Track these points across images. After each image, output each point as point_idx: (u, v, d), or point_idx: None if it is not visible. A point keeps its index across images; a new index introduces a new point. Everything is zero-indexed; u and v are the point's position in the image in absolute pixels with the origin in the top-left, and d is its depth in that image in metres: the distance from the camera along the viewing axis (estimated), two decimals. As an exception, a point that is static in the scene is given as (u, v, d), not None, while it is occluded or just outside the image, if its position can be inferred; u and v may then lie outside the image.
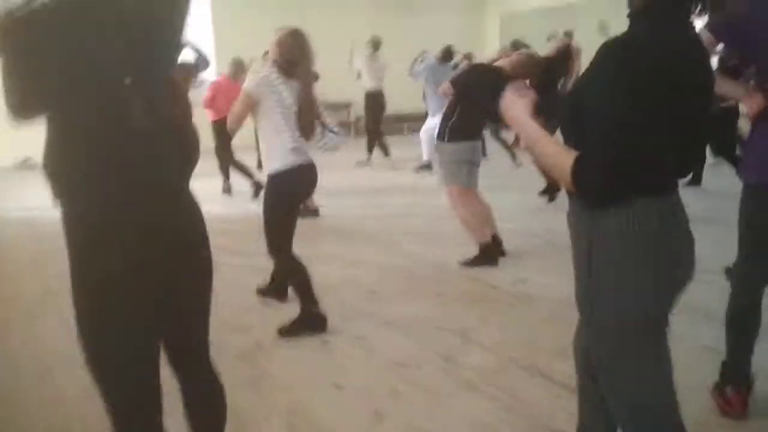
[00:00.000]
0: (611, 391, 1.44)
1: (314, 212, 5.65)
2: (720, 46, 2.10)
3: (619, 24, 1.42)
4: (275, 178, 3.01)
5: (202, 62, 6.03)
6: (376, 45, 8.23)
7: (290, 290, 3.48)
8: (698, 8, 1.29)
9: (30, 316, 3.54)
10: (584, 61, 8.93)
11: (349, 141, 10.65)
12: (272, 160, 3.02)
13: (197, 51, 5.90)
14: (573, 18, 10.89)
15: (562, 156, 1.30)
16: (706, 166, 6.76)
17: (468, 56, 7.99)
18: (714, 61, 4.90)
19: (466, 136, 4.03)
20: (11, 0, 1.23)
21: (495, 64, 4.26)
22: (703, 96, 1.32)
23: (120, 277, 1.36)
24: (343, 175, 7.64)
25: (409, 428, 2.27)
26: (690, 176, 6.21)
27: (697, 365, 2.63)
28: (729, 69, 3.40)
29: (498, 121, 8.05)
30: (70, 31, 1.26)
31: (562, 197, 5.65)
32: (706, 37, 2.04)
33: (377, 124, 8.56)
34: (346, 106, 11.78)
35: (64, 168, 1.35)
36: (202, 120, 5.19)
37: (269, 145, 3.01)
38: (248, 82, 2.99)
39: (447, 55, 7.53)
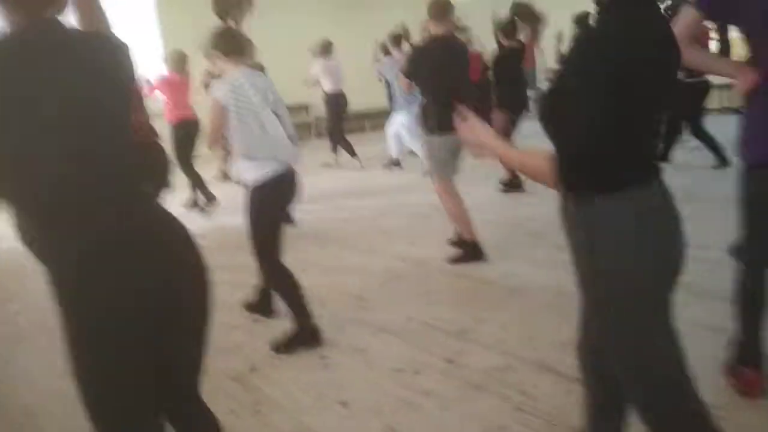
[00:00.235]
0: (624, 371, 1.43)
1: (289, 221, 5.51)
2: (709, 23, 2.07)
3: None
4: (255, 189, 2.90)
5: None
6: (327, 48, 8.12)
7: (278, 304, 3.37)
8: None
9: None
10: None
11: (310, 142, 10.66)
12: (249, 171, 2.90)
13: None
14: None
15: (540, 164, 1.33)
16: (684, 147, 6.89)
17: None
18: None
19: (452, 128, 3.93)
20: None
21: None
22: (671, 74, 1.36)
23: (109, 332, 1.33)
24: (309, 179, 7.47)
25: (425, 439, 2.20)
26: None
27: (699, 345, 2.64)
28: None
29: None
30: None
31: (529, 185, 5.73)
32: (692, 14, 2.01)
33: (339, 125, 8.45)
34: (305, 107, 11.61)
35: (29, 234, 1.34)
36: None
37: (245, 154, 2.88)
38: (216, 90, 2.85)
39: (398, 43, 7.50)
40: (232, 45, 2.91)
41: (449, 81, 3.90)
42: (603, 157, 1.25)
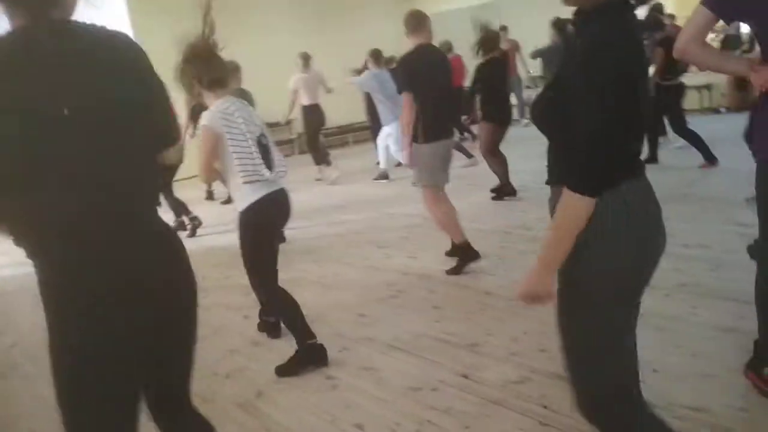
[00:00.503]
0: (569, 351, 1.51)
1: (281, 238, 5.39)
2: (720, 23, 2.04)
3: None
4: (248, 212, 2.78)
5: None
6: (306, 61, 8.08)
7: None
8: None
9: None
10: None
11: (295, 158, 10.56)
12: (242, 195, 2.77)
13: None
14: (499, 15, 11.07)
15: (567, 217, 1.36)
16: (668, 147, 6.97)
17: (391, 59, 7.94)
18: (712, 38, 5.07)
19: (441, 135, 3.94)
20: None
21: None
22: (646, 75, 1.49)
23: (96, 339, 1.31)
24: (298, 195, 7.37)
25: (449, 461, 2.10)
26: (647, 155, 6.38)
27: (712, 347, 2.60)
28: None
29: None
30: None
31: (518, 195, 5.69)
32: (704, 15, 1.98)
33: (315, 137, 8.41)
34: (287, 123, 11.51)
35: (27, 237, 1.30)
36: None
37: (236, 179, 2.73)
38: (204, 118, 2.70)
39: (378, 59, 7.48)
40: (213, 76, 2.71)
41: (435, 89, 3.88)
42: (601, 157, 1.30)
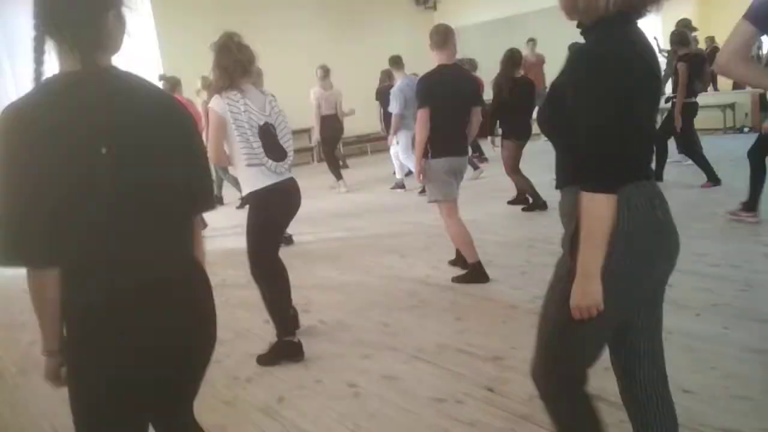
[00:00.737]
0: (546, 333, 1.63)
1: (287, 240, 5.40)
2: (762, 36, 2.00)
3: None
4: (255, 196, 2.97)
5: None
6: (324, 74, 8.15)
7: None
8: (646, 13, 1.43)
9: (12, 385, 3.16)
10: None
11: (313, 167, 10.60)
12: (246, 182, 2.97)
13: None
14: (524, 28, 11.06)
15: (592, 219, 1.38)
16: (679, 165, 6.92)
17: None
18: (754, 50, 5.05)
19: (452, 152, 3.97)
20: None
21: None
22: (658, 86, 1.49)
23: (114, 374, 1.33)
24: (316, 202, 7.41)
25: (476, 475, 2.06)
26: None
27: (748, 369, 2.54)
28: None
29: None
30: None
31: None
32: (746, 29, 1.94)
33: (330, 147, 8.48)
34: (307, 132, 11.57)
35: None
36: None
37: (241, 167, 2.94)
38: (212, 102, 2.93)
39: (399, 65, 7.56)
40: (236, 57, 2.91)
41: (449, 108, 3.91)
42: (603, 159, 1.36)
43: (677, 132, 6.20)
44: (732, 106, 10.06)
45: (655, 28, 11.88)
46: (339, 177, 8.37)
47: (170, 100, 1.46)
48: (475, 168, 7.79)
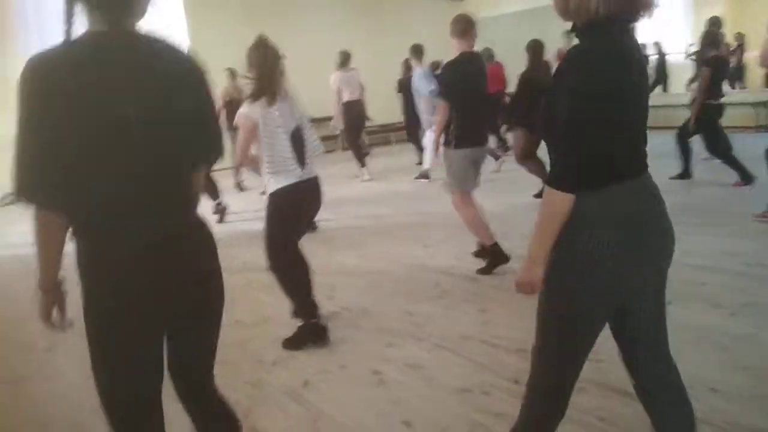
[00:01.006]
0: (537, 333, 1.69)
1: (312, 227, 5.41)
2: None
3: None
4: (277, 195, 3.00)
5: None
6: (345, 60, 8.12)
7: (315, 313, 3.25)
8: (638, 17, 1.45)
9: (40, 358, 3.22)
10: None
11: (338, 154, 10.61)
12: (272, 179, 2.99)
13: None
14: (546, 21, 10.88)
15: (546, 212, 1.48)
16: (709, 162, 6.80)
17: (436, 64, 7.88)
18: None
19: (474, 142, 3.97)
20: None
21: None
22: (644, 91, 1.52)
23: (128, 313, 1.40)
24: (341, 190, 7.42)
25: (502, 466, 2.05)
26: (681, 170, 6.37)
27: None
28: None
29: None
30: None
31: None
32: None
33: (354, 134, 8.44)
34: (330, 119, 11.57)
35: (75, 216, 1.37)
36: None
37: (267, 164, 2.97)
38: (244, 106, 2.97)
39: (419, 54, 7.56)
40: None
41: (472, 98, 3.92)
42: (573, 157, 1.42)
43: (693, 132, 6.14)
44: (765, 103, 9.82)
45: (686, 23, 11.68)
46: (363, 164, 8.36)
47: (190, 62, 1.48)
48: (497, 158, 7.74)
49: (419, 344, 3.05)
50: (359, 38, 11.04)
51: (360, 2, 12.25)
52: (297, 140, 2.97)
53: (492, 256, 4.03)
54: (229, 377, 2.83)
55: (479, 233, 4.09)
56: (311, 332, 3.09)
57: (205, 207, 1.58)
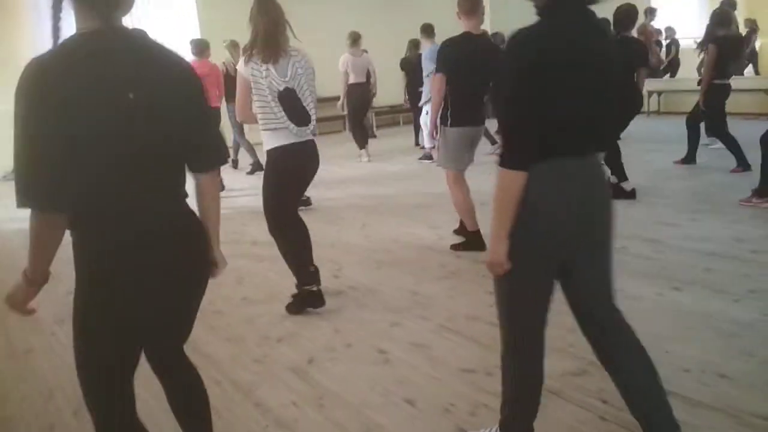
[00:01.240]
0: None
1: (305, 201, 5.42)
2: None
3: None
4: (273, 153, 3.06)
5: None
6: (354, 40, 8.05)
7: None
8: None
9: (49, 334, 3.25)
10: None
11: (345, 134, 10.57)
12: (268, 140, 3.05)
13: None
14: None
15: (499, 190, 1.57)
16: (713, 146, 6.75)
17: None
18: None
19: (470, 121, 3.97)
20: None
21: None
22: (596, 73, 1.54)
23: (102, 291, 1.45)
24: (345, 170, 7.40)
25: (505, 446, 2.06)
26: (685, 155, 6.38)
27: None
28: None
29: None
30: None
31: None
32: None
33: (355, 117, 8.43)
34: (337, 99, 11.51)
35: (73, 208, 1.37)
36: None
37: (260, 122, 3.03)
38: (238, 65, 3.04)
39: (429, 32, 7.44)
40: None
41: (470, 76, 3.86)
42: (515, 136, 1.52)
43: (702, 114, 6.07)
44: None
45: (701, 9, 11.50)
46: (362, 146, 8.34)
47: (180, 58, 1.51)
48: (493, 143, 7.70)
49: (424, 324, 3.06)
50: (370, 18, 10.93)
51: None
52: (286, 100, 2.95)
53: (469, 238, 4.13)
54: (235, 353, 2.87)
55: (465, 216, 4.17)
56: (307, 298, 3.21)
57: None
